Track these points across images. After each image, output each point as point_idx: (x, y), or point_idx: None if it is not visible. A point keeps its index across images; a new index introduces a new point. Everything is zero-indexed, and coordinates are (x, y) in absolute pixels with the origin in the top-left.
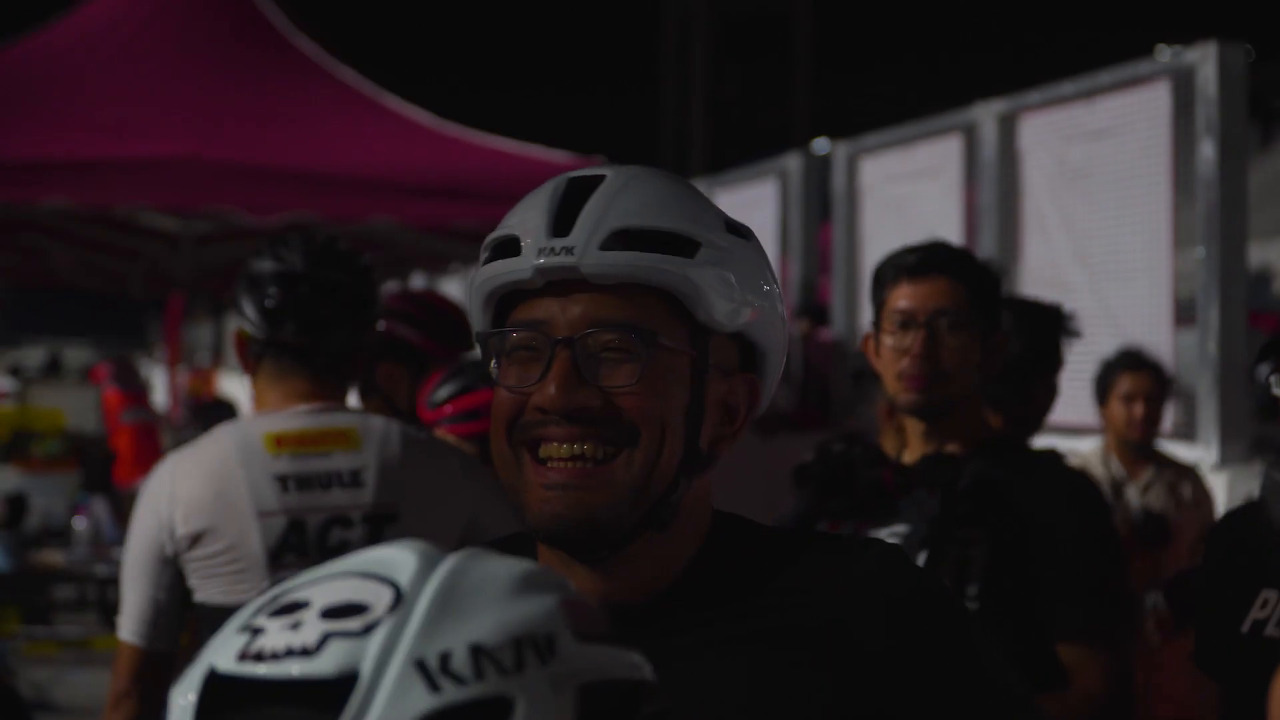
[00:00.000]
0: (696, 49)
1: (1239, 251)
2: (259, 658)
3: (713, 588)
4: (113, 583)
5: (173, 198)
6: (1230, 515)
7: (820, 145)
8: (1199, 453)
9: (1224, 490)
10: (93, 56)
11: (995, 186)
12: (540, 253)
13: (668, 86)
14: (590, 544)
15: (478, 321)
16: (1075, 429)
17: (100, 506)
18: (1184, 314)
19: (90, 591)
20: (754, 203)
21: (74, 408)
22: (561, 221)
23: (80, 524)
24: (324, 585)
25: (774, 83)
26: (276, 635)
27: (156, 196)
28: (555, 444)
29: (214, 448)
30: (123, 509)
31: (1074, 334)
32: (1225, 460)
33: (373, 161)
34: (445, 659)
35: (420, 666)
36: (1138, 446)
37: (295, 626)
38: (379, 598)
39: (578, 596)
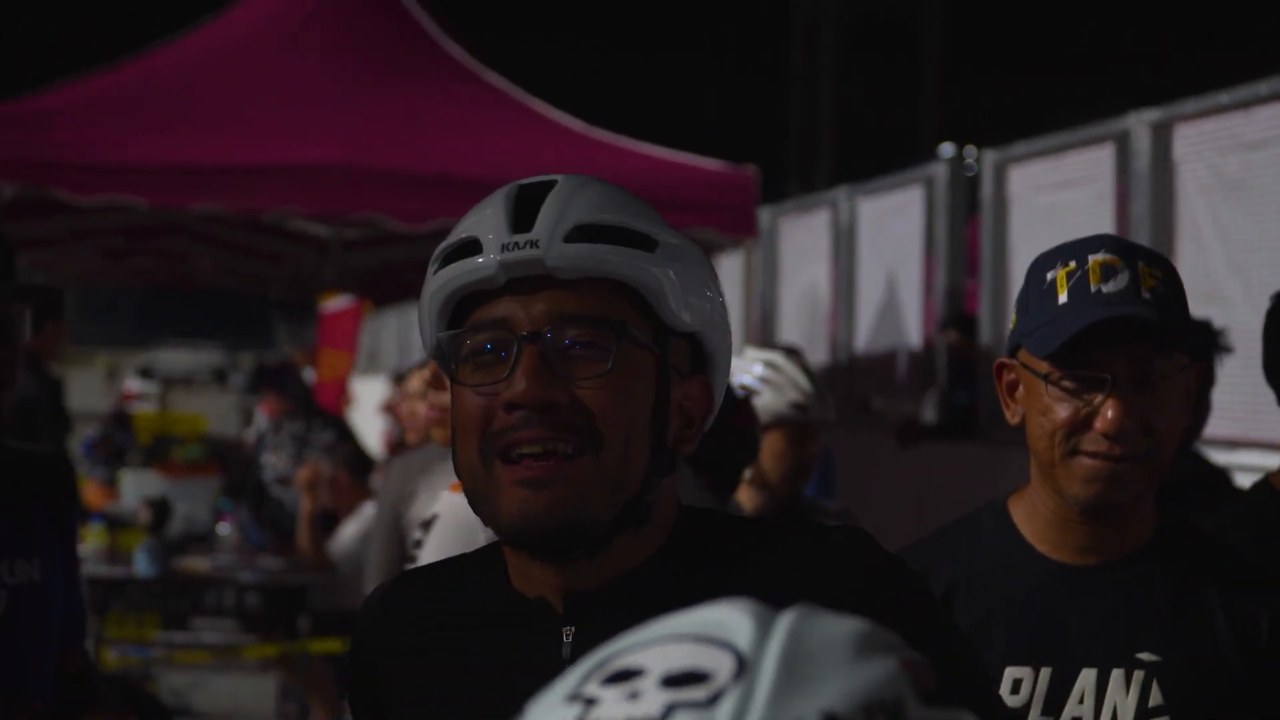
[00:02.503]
0: (825, 51)
1: None
2: None
3: (674, 573)
4: (254, 589)
5: (323, 203)
6: None
7: (946, 150)
8: None
9: None
10: (243, 61)
11: (1148, 196)
12: (504, 248)
13: (796, 89)
14: (568, 543)
15: (431, 330)
16: (1230, 442)
17: (244, 512)
18: None
19: (229, 598)
20: (899, 210)
21: (213, 411)
22: (522, 218)
23: (224, 529)
24: (656, 650)
25: (901, 85)
26: (614, 706)
27: (307, 202)
28: (528, 444)
29: None
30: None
31: (1226, 349)
32: None
33: (521, 166)
34: None
35: None
36: None
37: (634, 696)
38: (720, 664)
39: (914, 655)
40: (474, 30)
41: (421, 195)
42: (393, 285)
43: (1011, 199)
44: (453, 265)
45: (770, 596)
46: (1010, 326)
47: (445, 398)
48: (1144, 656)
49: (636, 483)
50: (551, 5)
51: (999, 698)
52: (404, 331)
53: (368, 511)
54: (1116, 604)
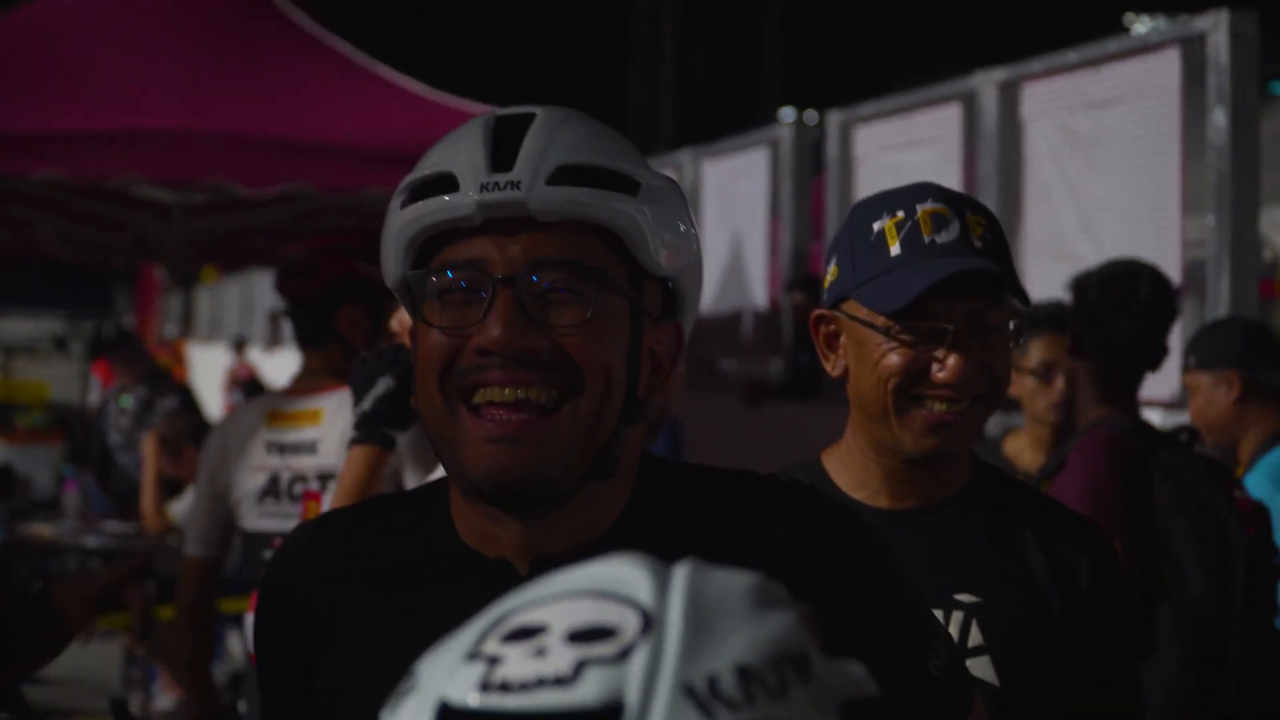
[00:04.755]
0: (667, 17)
1: (1251, 219)
2: (505, 688)
3: (641, 534)
4: (99, 554)
5: (167, 170)
6: None
7: (787, 115)
8: None
9: None
10: (86, 28)
11: (996, 155)
12: (483, 188)
13: (636, 55)
14: (534, 499)
15: (396, 266)
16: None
17: (88, 479)
18: (1193, 282)
19: (72, 564)
20: (743, 171)
21: (56, 379)
22: (501, 156)
23: (69, 497)
24: (556, 606)
25: (744, 53)
26: (520, 663)
27: (151, 169)
28: (496, 388)
29: None
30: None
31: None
32: None
33: (366, 131)
34: (713, 683)
35: (689, 693)
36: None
37: (540, 653)
38: (625, 619)
39: (805, 607)
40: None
41: (266, 160)
42: (236, 251)
43: (857, 159)
44: (426, 201)
45: (738, 554)
46: (830, 277)
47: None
48: (963, 598)
49: (607, 434)
50: None
51: (949, 635)
52: (246, 298)
53: None
54: (934, 546)
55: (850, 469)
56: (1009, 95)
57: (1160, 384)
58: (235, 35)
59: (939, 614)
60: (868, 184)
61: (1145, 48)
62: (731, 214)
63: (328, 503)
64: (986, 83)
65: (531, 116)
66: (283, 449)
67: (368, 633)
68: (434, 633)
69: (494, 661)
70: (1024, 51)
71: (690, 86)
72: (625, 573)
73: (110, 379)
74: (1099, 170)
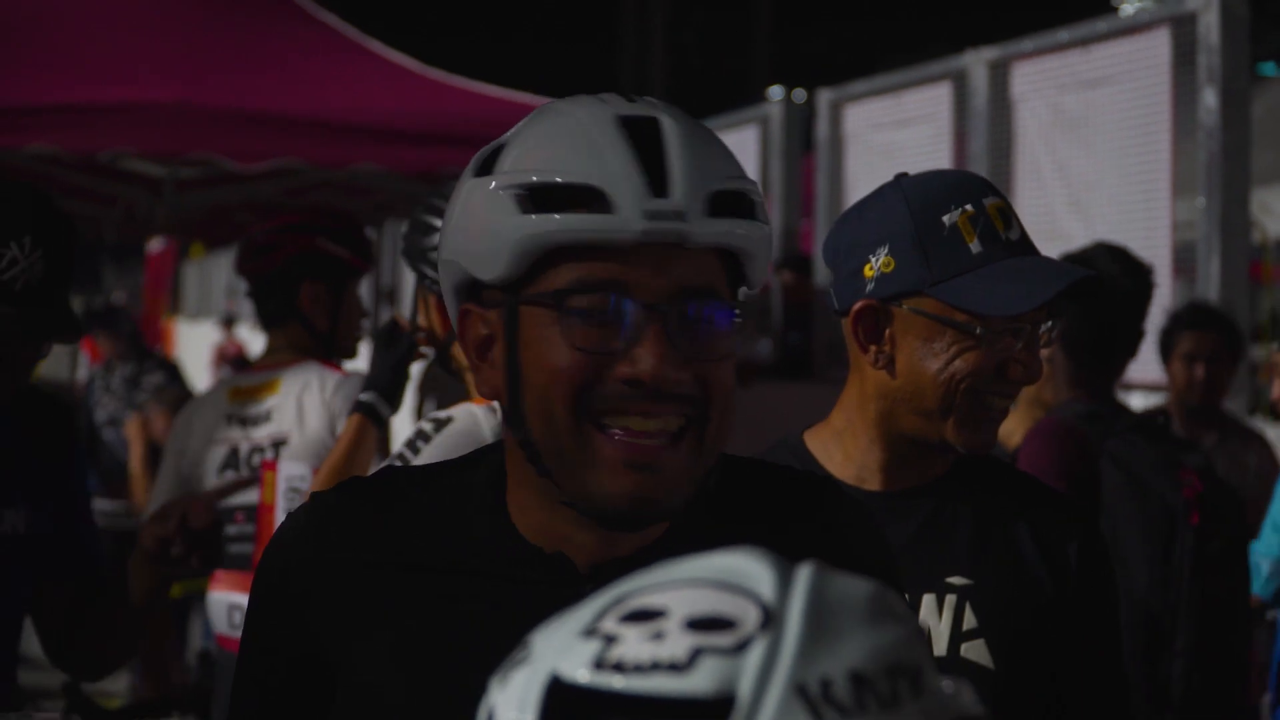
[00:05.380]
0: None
1: (1242, 201)
2: (619, 668)
3: (697, 535)
4: None
5: (158, 143)
6: None
7: (775, 93)
8: None
9: None
10: (78, 2)
11: (986, 134)
12: (648, 215)
13: (627, 32)
14: (654, 522)
15: (502, 268)
16: None
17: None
18: (1183, 264)
19: None
20: (733, 150)
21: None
22: (656, 177)
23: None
24: (677, 592)
25: (733, 31)
26: (637, 645)
27: (142, 142)
28: (638, 418)
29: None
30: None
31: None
32: None
33: (357, 106)
34: (826, 686)
35: (802, 692)
36: (1200, 410)
37: (658, 637)
38: (745, 612)
39: (923, 623)
40: None
41: (257, 134)
42: (224, 227)
43: (847, 138)
44: (573, 216)
45: (782, 549)
46: (883, 269)
47: None
48: (954, 580)
49: (715, 457)
50: None
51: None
52: (234, 274)
53: None
54: (923, 529)
55: (844, 450)
56: (999, 74)
57: (1147, 366)
58: (227, 8)
59: (932, 597)
60: (858, 163)
61: (1136, 27)
62: None
63: (284, 467)
64: (977, 62)
65: (656, 122)
66: (243, 421)
67: (413, 625)
68: (488, 627)
69: (610, 640)
70: (1014, 31)
71: (680, 64)
72: (749, 566)
73: (98, 355)
74: (1089, 150)
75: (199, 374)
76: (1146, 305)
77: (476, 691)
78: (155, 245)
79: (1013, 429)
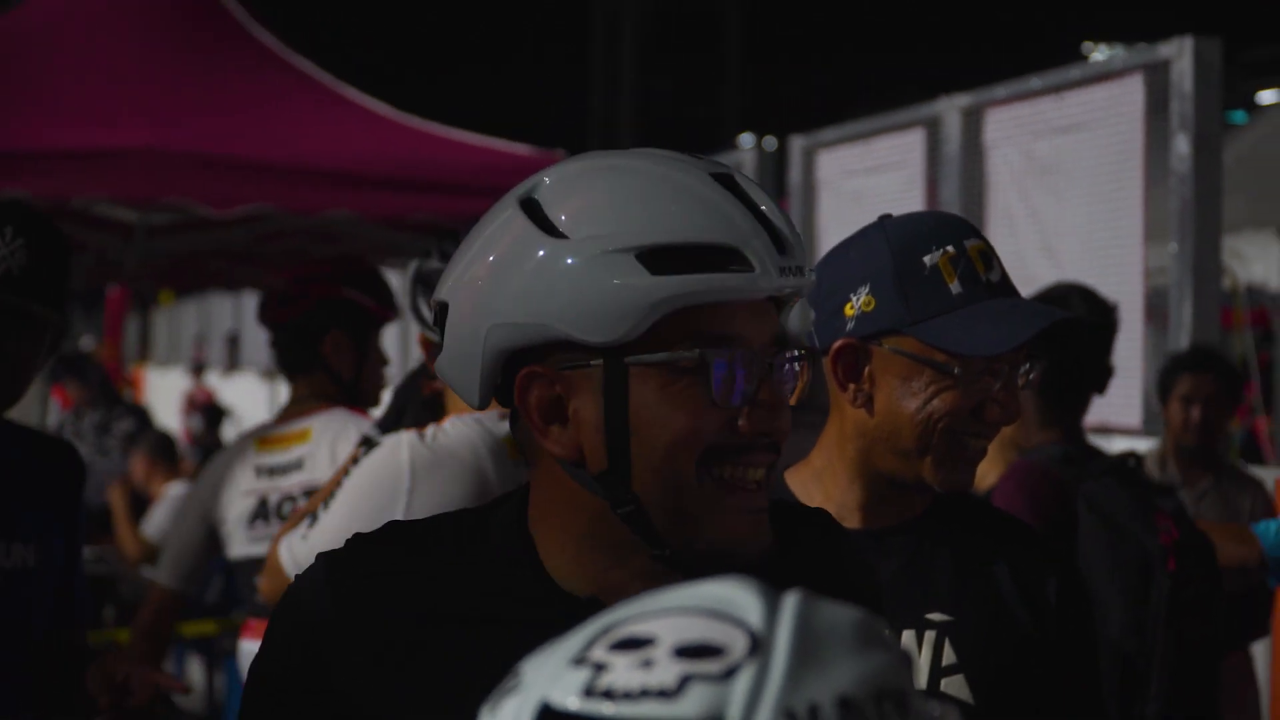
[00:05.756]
0: (626, 40)
1: (1213, 247)
2: (609, 695)
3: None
4: None
5: (131, 189)
6: None
7: (746, 140)
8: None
9: None
10: (49, 46)
11: (959, 180)
12: (784, 272)
13: (596, 77)
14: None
15: (624, 329)
16: None
17: None
18: (1156, 310)
19: None
20: None
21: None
22: (775, 233)
23: None
24: (666, 620)
25: (705, 77)
26: (626, 672)
27: (114, 188)
28: (754, 468)
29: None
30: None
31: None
32: None
33: (332, 152)
34: (814, 711)
35: (790, 717)
36: (1196, 452)
37: (646, 665)
38: (733, 639)
39: (904, 649)
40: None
41: (230, 180)
42: (193, 274)
43: (820, 184)
44: (714, 276)
45: (785, 581)
46: (863, 309)
47: None
48: (934, 617)
49: None
50: None
51: None
52: (204, 320)
53: (176, 492)
54: (903, 566)
55: (824, 489)
56: (972, 121)
57: (1125, 411)
58: (201, 55)
59: (911, 634)
60: (830, 209)
61: (1109, 74)
62: None
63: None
64: (950, 108)
65: (731, 177)
66: (271, 471)
67: (444, 677)
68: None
69: (600, 668)
70: (987, 78)
71: (648, 110)
72: (736, 594)
73: (69, 402)
74: (1062, 196)
75: (169, 421)
76: (1112, 342)
77: None
78: (111, 291)
79: (985, 471)
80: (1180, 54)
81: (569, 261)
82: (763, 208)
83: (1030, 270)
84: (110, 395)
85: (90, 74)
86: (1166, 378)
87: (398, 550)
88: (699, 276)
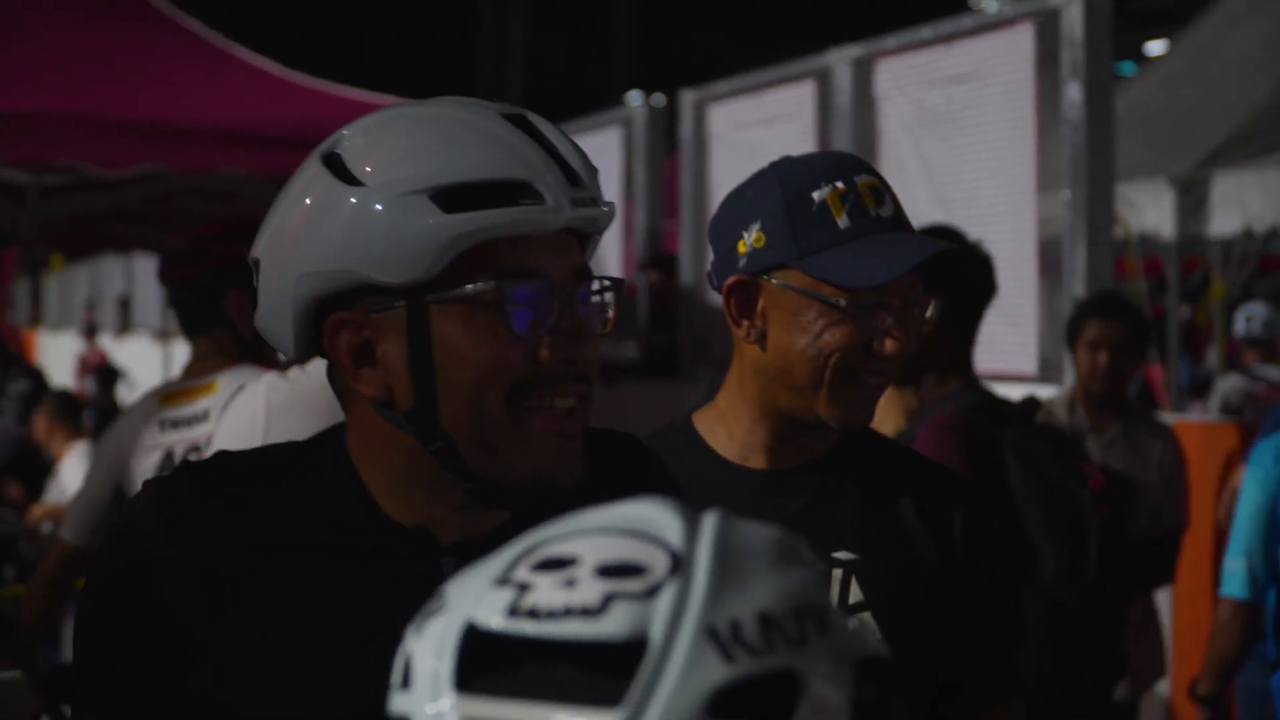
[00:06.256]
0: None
1: (1106, 195)
2: (533, 615)
3: (545, 511)
4: None
5: (22, 151)
6: None
7: (634, 98)
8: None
9: None
10: None
11: (851, 131)
12: (575, 203)
13: (485, 36)
14: (568, 490)
15: (422, 269)
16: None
17: None
18: (1049, 259)
19: None
20: (597, 152)
21: None
22: (567, 167)
23: None
24: (587, 540)
25: (591, 35)
26: (550, 592)
27: (6, 150)
28: (563, 398)
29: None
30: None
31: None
32: None
33: (222, 112)
34: (736, 627)
35: (712, 634)
36: (1105, 398)
37: (570, 584)
38: (654, 559)
39: (822, 565)
40: None
41: (121, 141)
42: (86, 237)
43: (711, 138)
44: (504, 210)
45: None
46: (754, 244)
47: None
48: (840, 555)
49: None
50: None
51: None
52: (95, 284)
53: (81, 450)
54: (809, 505)
55: (728, 430)
56: (863, 72)
57: (1021, 359)
58: (90, 16)
59: None
60: (722, 162)
61: (1000, 23)
62: None
63: None
64: (840, 60)
65: (523, 116)
66: (175, 424)
67: (274, 601)
68: (348, 600)
69: (524, 588)
70: (877, 29)
71: (538, 69)
72: (657, 515)
73: None
74: (954, 146)
75: (63, 384)
76: (994, 284)
77: (337, 663)
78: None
79: (884, 413)
80: (1069, 2)
81: (367, 207)
82: (555, 143)
83: (923, 220)
84: (6, 356)
85: None
86: (1074, 324)
87: (227, 478)
88: (491, 212)
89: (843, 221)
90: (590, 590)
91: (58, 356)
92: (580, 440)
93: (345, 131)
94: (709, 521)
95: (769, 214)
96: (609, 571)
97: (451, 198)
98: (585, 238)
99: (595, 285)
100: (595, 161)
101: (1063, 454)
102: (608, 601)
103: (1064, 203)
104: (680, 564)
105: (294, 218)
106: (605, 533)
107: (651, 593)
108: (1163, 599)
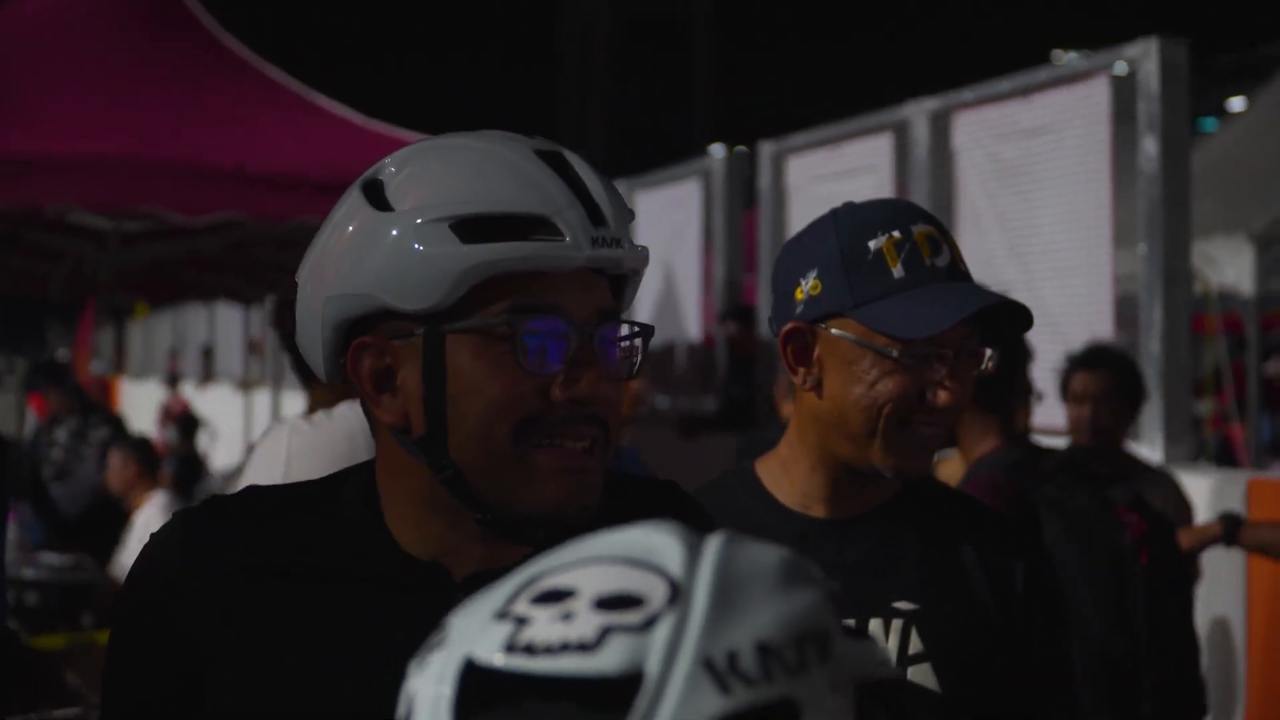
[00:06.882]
0: (598, 49)
1: (1183, 249)
2: (530, 650)
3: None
4: (34, 586)
5: (104, 196)
6: None
7: (717, 151)
8: (1143, 454)
9: None
10: (24, 55)
11: (928, 184)
12: (595, 242)
13: (568, 87)
14: (576, 527)
15: (438, 297)
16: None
17: (25, 510)
18: (1125, 314)
19: (9, 596)
20: (677, 203)
21: None
22: (592, 206)
23: (7, 528)
24: (586, 571)
25: (675, 85)
26: (547, 627)
27: (88, 195)
28: (576, 441)
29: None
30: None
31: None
32: (1169, 461)
33: (301, 159)
34: (733, 658)
35: (709, 666)
36: (1094, 452)
37: (567, 618)
38: (652, 588)
39: (832, 585)
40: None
41: (201, 188)
42: (168, 284)
43: (790, 190)
44: (523, 244)
45: None
46: (810, 292)
47: None
48: (901, 605)
49: None
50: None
51: None
52: (179, 333)
53: (160, 501)
54: (870, 554)
55: (790, 478)
56: (940, 124)
57: (1051, 413)
58: (173, 62)
59: (879, 621)
60: (800, 214)
61: (1075, 76)
62: (664, 245)
63: None
64: (918, 112)
65: (559, 154)
66: None
67: (287, 630)
68: (361, 632)
69: (522, 622)
70: (954, 82)
71: (620, 120)
72: (658, 541)
73: (45, 411)
74: (1029, 199)
75: (145, 431)
76: (1029, 347)
77: (347, 693)
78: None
79: (952, 475)
80: (1146, 55)
81: (390, 233)
82: (586, 182)
83: (998, 273)
84: (86, 404)
85: (65, 83)
86: (1064, 377)
87: (252, 509)
88: (507, 244)
89: (897, 271)
90: (587, 624)
91: (140, 405)
92: (597, 475)
93: (388, 160)
94: (711, 546)
95: (826, 262)
96: (607, 604)
97: (471, 229)
98: (620, 280)
99: (624, 330)
100: (675, 213)
101: (1100, 506)
102: (604, 635)
103: (1140, 257)
104: (679, 593)
105: (328, 241)
106: (605, 561)
107: (648, 625)
108: (1237, 631)
